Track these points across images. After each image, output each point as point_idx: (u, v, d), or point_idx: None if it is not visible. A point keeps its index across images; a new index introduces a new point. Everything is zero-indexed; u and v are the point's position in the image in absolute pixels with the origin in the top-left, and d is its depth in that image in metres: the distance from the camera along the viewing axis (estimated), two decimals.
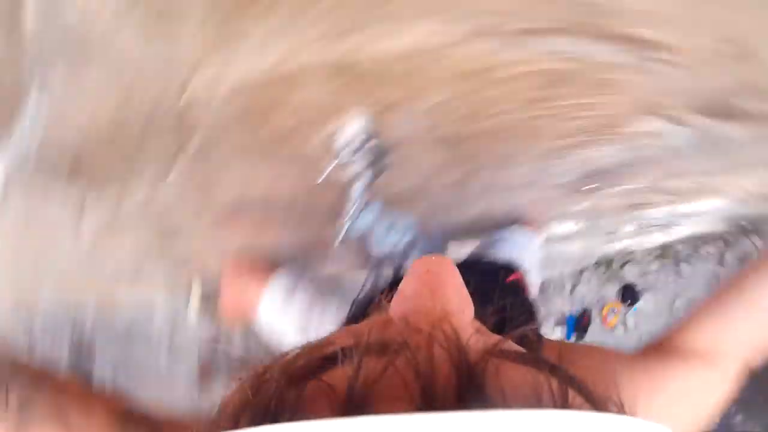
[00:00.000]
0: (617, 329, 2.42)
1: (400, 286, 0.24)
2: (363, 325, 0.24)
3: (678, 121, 0.83)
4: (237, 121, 0.54)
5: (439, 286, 0.23)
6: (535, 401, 0.17)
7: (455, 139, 0.73)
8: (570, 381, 0.19)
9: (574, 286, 2.42)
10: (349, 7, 0.42)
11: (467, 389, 0.16)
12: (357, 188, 0.75)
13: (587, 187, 1.32)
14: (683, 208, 1.66)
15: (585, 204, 1.65)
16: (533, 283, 1.14)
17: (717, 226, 2.08)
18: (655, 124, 0.82)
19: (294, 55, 0.45)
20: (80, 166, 0.54)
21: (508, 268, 0.96)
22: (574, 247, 2.05)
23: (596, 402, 0.19)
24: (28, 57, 0.39)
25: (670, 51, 0.49)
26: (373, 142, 0.65)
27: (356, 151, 0.64)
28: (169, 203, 0.70)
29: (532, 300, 0.90)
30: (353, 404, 0.16)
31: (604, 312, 2.37)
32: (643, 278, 2.44)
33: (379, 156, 0.67)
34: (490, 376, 0.17)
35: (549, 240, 1.89)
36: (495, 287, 0.76)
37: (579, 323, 2.30)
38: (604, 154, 0.99)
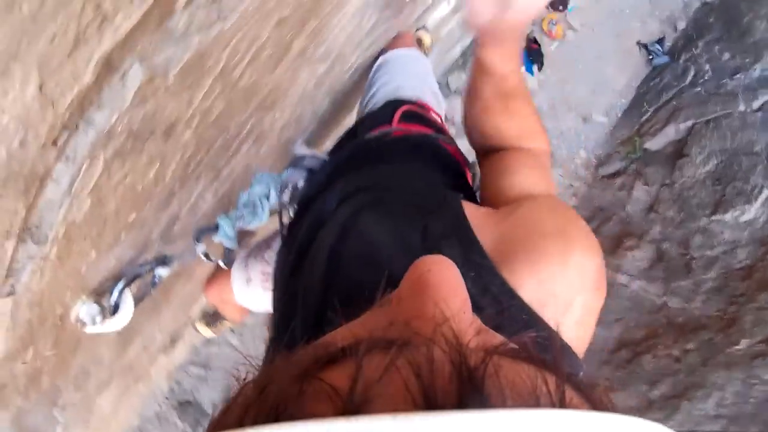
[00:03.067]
0: (568, 36, 2.20)
1: (400, 286, 0.24)
2: (364, 324, 0.25)
3: None
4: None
5: (439, 287, 0.23)
6: (533, 401, 0.18)
7: (165, 161, 0.61)
8: (568, 378, 0.19)
9: None
10: None
11: (467, 390, 0.17)
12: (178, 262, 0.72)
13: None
14: None
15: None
16: (436, 103, 1.05)
17: None
18: None
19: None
20: None
21: (396, 104, 0.89)
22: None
23: (594, 400, 0.20)
24: None
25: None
26: (118, 294, 0.59)
27: (113, 297, 0.60)
28: None
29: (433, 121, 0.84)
30: (354, 404, 0.16)
31: (545, 28, 2.13)
32: None
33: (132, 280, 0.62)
34: (490, 377, 0.18)
35: (435, 40, 1.63)
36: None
37: (530, 52, 2.13)
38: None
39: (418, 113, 0.91)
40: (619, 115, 2.31)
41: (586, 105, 2.31)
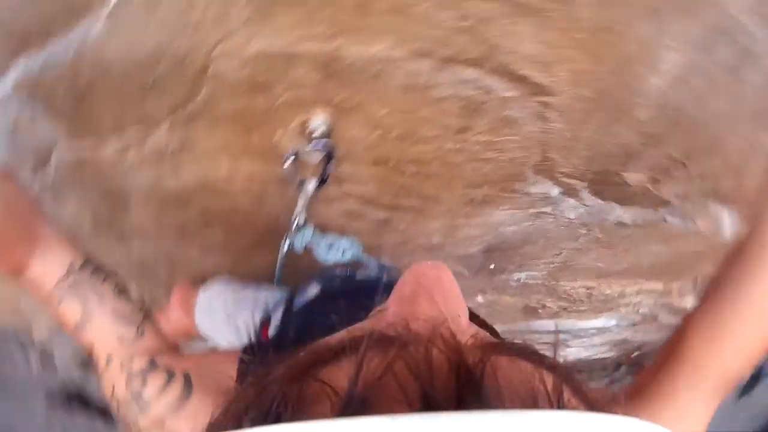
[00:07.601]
0: None
1: (396, 289, 0.25)
2: (363, 328, 0.25)
3: (570, 192, 1.04)
4: (240, 86, 0.67)
5: (436, 290, 0.23)
6: (531, 401, 0.18)
7: (389, 163, 0.88)
8: (566, 378, 0.20)
9: None
10: (342, 14, 0.60)
11: (466, 390, 0.17)
12: (301, 200, 0.86)
13: (491, 266, 1.49)
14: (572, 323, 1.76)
15: (486, 298, 1.81)
16: None
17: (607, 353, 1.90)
18: (549, 188, 1.02)
19: (300, 43, 0.61)
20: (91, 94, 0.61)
21: None
22: None
23: (591, 402, 0.20)
24: None
25: (553, 96, 0.74)
26: (327, 141, 0.78)
27: (314, 144, 0.77)
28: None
29: None
30: (354, 405, 0.17)
31: None
32: None
33: (328, 156, 0.80)
34: (488, 377, 0.18)
35: None
36: None
37: None
38: (505, 220, 1.19)
39: None
40: None
41: None
